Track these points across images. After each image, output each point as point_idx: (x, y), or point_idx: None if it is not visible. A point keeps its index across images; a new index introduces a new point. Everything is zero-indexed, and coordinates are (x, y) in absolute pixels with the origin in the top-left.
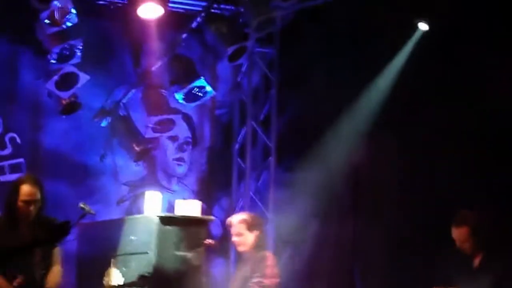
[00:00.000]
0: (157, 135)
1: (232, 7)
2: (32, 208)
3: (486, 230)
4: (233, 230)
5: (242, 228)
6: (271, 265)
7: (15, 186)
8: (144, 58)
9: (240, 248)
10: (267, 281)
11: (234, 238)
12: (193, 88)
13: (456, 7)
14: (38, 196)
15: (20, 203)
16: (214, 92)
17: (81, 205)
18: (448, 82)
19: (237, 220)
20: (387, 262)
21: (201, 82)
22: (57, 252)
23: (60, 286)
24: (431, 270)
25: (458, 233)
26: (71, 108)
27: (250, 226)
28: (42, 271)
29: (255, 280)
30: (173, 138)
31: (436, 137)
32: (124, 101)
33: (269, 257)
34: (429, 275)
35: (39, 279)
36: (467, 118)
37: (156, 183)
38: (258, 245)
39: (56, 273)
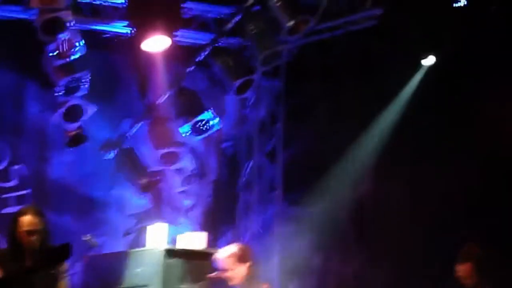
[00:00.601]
0: (163, 167)
1: (239, 41)
2: (34, 238)
3: (491, 266)
4: (221, 266)
5: (231, 263)
6: None
7: (16, 217)
8: (151, 91)
9: (233, 281)
10: None
11: (226, 273)
12: (199, 121)
13: (463, 40)
14: (40, 226)
15: (22, 234)
16: (220, 125)
17: (87, 237)
18: (455, 115)
19: (224, 255)
20: None
21: (207, 115)
22: (65, 284)
23: None
24: None
25: (462, 270)
26: (77, 140)
27: (241, 258)
28: None
29: None
30: (179, 171)
31: (443, 172)
32: (130, 133)
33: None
34: None
35: None
36: (474, 152)
37: (161, 216)
38: (251, 277)
39: None
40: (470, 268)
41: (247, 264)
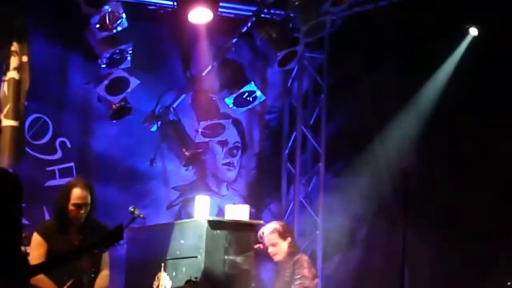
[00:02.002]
0: (206, 140)
1: (282, 12)
2: (82, 211)
3: None
4: (267, 241)
5: (275, 238)
6: (308, 266)
7: (66, 190)
8: (194, 63)
9: (277, 257)
10: (308, 282)
11: (270, 249)
12: (243, 93)
13: (507, 13)
14: (89, 199)
15: (71, 207)
16: (264, 97)
17: (131, 209)
18: (499, 87)
19: (268, 230)
20: (437, 269)
21: (251, 87)
22: (106, 256)
23: None
24: (483, 278)
25: None
26: (121, 112)
27: (282, 234)
28: (91, 275)
29: (297, 282)
30: (223, 143)
31: (489, 141)
32: (174, 106)
33: (305, 259)
34: (481, 282)
35: (88, 284)
36: None
37: (205, 188)
38: (292, 252)
39: (104, 277)
40: None
41: (288, 239)
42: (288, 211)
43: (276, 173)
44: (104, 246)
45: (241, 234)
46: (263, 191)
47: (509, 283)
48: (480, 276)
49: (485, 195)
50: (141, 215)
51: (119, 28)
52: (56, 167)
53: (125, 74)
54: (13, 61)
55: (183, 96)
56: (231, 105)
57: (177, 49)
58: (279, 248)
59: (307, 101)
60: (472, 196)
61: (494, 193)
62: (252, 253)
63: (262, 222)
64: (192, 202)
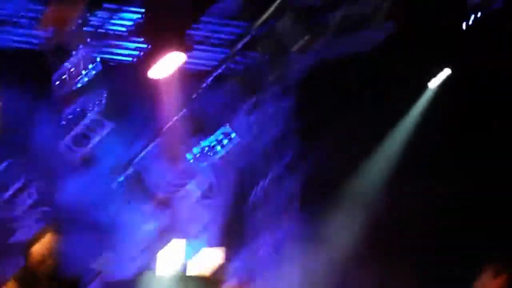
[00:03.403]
0: (176, 188)
1: (250, 60)
2: (49, 263)
3: None
4: None
5: None
6: None
7: (31, 242)
8: (161, 113)
9: None
10: None
11: None
12: (212, 141)
13: (476, 57)
14: (55, 250)
15: (38, 258)
16: (235, 143)
17: (97, 262)
18: (468, 132)
19: None
20: None
21: (219, 135)
22: None
23: None
24: None
25: (495, 284)
26: (88, 163)
27: None
28: None
29: None
30: (194, 190)
31: (457, 186)
32: (141, 155)
33: None
34: None
35: None
36: (488, 164)
37: (178, 233)
38: None
39: None
40: (505, 282)
41: None
42: (260, 255)
43: (247, 218)
44: None
45: None
46: (237, 235)
47: None
48: None
49: (458, 233)
50: (106, 269)
51: (85, 80)
52: (24, 217)
53: (92, 125)
54: None
55: (151, 145)
56: (199, 155)
57: (144, 99)
58: None
59: (277, 147)
60: (446, 235)
61: (468, 232)
62: None
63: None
64: (157, 254)
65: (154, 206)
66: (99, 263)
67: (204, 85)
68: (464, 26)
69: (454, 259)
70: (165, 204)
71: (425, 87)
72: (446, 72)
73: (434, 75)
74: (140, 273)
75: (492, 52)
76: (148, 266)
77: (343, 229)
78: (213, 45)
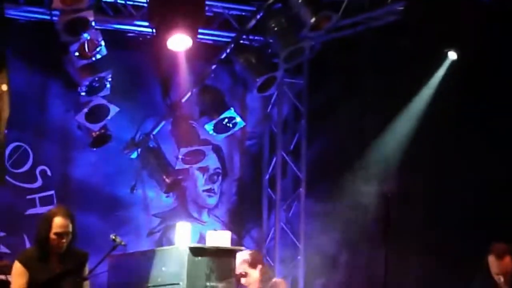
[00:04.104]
0: (187, 166)
1: (261, 38)
2: (64, 240)
3: None
4: (238, 272)
5: (246, 268)
6: None
7: (47, 219)
8: (174, 90)
9: (250, 287)
10: None
11: (242, 280)
12: (222, 120)
13: (486, 36)
14: (70, 228)
15: (52, 236)
16: (243, 123)
17: (112, 236)
18: (477, 112)
19: (238, 261)
20: None
21: (230, 113)
22: (87, 284)
23: None
24: None
25: (502, 264)
26: (101, 140)
27: (252, 263)
28: None
29: None
30: (203, 169)
31: (468, 164)
32: (154, 133)
33: (281, 284)
34: None
35: None
36: (499, 146)
37: (186, 215)
38: (265, 278)
39: None
40: (510, 262)
41: (259, 267)
42: (269, 237)
43: (257, 199)
44: (80, 273)
45: (222, 261)
46: (244, 217)
47: None
48: None
49: (466, 218)
50: (122, 243)
51: (98, 56)
52: (36, 196)
53: (104, 102)
54: None
55: (163, 123)
56: (211, 132)
57: (157, 76)
58: (250, 278)
59: (287, 127)
60: (453, 219)
61: (472, 216)
62: (234, 279)
63: (243, 248)
64: (173, 229)
65: (164, 189)
66: (115, 238)
67: (215, 62)
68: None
69: (468, 240)
70: (174, 186)
71: (435, 66)
72: (453, 55)
73: (445, 57)
74: (156, 246)
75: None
76: (164, 239)
77: (353, 209)
78: (225, 22)
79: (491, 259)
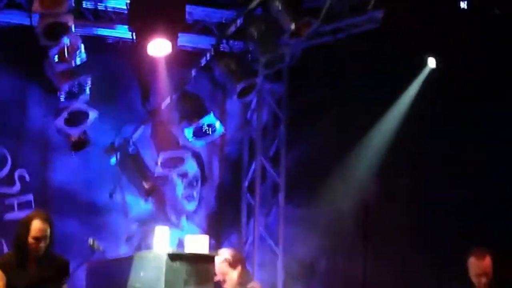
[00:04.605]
0: (166, 172)
1: (241, 44)
2: (42, 244)
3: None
4: (217, 271)
5: (225, 267)
6: None
7: (25, 223)
8: (153, 95)
9: (226, 286)
10: None
11: (218, 278)
12: (202, 125)
13: (466, 45)
14: (48, 232)
15: (30, 240)
16: (223, 129)
17: (90, 242)
18: (457, 118)
19: (218, 260)
20: None
21: (210, 118)
22: None
23: None
24: None
25: (483, 265)
26: (80, 145)
27: (232, 264)
28: None
29: None
30: (182, 175)
31: (446, 174)
32: (133, 138)
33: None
34: None
35: None
36: (477, 156)
37: (165, 220)
38: (242, 281)
39: None
40: (490, 262)
41: (238, 269)
42: (248, 242)
43: (235, 205)
44: (57, 279)
45: (201, 266)
46: (223, 223)
47: None
48: None
49: (444, 224)
50: (100, 248)
51: (78, 61)
52: (15, 200)
53: (84, 107)
54: None
55: (142, 128)
56: (190, 137)
57: (136, 81)
58: (228, 277)
59: (267, 133)
60: (430, 226)
61: (453, 222)
62: (212, 284)
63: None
64: (151, 234)
65: (143, 194)
66: (93, 243)
67: (195, 68)
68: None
69: (446, 246)
70: (152, 191)
71: (415, 73)
72: (433, 62)
73: (424, 64)
74: (134, 251)
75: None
76: (142, 245)
77: (332, 215)
78: (205, 28)
79: (472, 261)
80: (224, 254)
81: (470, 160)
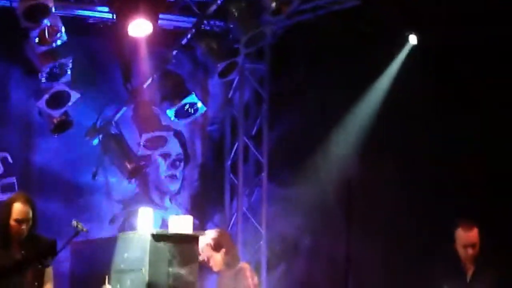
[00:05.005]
0: (148, 152)
1: (222, 23)
2: (24, 227)
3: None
4: (203, 254)
5: (209, 251)
6: (251, 276)
7: (7, 205)
8: (135, 76)
9: (214, 268)
10: None
11: (203, 257)
12: (184, 105)
13: (447, 21)
14: (30, 214)
15: (12, 222)
16: (205, 109)
17: (74, 223)
18: (440, 95)
19: (202, 245)
20: (381, 276)
21: (192, 98)
22: (49, 271)
23: None
24: (425, 284)
25: (471, 236)
26: (62, 126)
27: (215, 246)
28: None
29: None
30: (165, 155)
31: (429, 148)
32: (115, 119)
33: (246, 269)
34: None
35: None
36: (459, 131)
37: (148, 201)
38: (229, 262)
39: None
40: (477, 234)
41: (222, 250)
42: (231, 222)
43: (219, 184)
44: (41, 260)
45: (185, 246)
46: (207, 203)
47: (445, 287)
48: (422, 280)
49: (427, 201)
50: (84, 229)
51: (59, 42)
52: None
53: (65, 88)
54: None
55: (124, 109)
56: (172, 117)
57: (118, 62)
58: (214, 259)
59: (249, 112)
60: (414, 202)
61: (437, 199)
62: (196, 264)
63: (205, 233)
64: (135, 214)
65: (126, 175)
66: (77, 225)
67: (176, 47)
68: None
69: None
70: (135, 172)
71: (397, 50)
72: (414, 39)
73: (406, 41)
74: (118, 232)
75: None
76: (126, 225)
77: (315, 194)
78: (185, 7)
79: (460, 232)
80: (206, 239)
81: (454, 137)
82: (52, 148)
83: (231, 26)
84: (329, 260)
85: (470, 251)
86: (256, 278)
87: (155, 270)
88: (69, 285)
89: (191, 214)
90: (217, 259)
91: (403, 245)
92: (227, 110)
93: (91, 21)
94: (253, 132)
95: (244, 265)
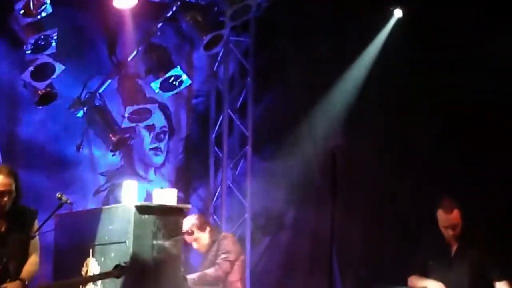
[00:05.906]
0: (133, 124)
1: None
2: (6, 198)
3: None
4: (188, 238)
5: (196, 232)
6: (232, 242)
7: None
8: (120, 48)
9: (202, 249)
10: (232, 256)
11: (194, 245)
12: (169, 78)
13: None
14: (13, 187)
15: None
16: (190, 81)
17: (58, 195)
18: (423, 67)
19: (187, 226)
20: (366, 249)
21: (177, 71)
22: (35, 242)
23: (35, 276)
24: (409, 258)
25: (451, 218)
26: (47, 98)
27: (200, 226)
28: (17, 261)
29: (221, 256)
30: (150, 128)
31: (414, 121)
32: (100, 91)
33: (229, 236)
34: (407, 262)
35: (14, 270)
36: (446, 104)
37: (133, 173)
38: (214, 239)
39: (33, 263)
40: (458, 215)
41: (207, 229)
42: (216, 195)
43: (203, 157)
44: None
45: (169, 219)
46: (191, 175)
47: (431, 262)
48: (407, 255)
49: (412, 175)
50: (68, 201)
51: (44, 14)
52: None
53: (50, 60)
54: None
55: (109, 81)
56: (157, 90)
57: (103, 34)
58: (201, 240)
59: (234, 85)
60: (399, 176)
61: (420, 173)
62: (181, 237)
63: (190, 206)
64: (119, 187)
65: (110, 147)
66: (61, 197)
67: (161, 20)
68: None
69: (414, 196)
70: (120, 144)
71: (381, 23)
72: (399, 12)
73: (391, 15)
74: (103, 204)
75: None
76: (110, 198)
77: (300, 167)
78: None
79: (440, 213)
80: (190, 221)
81: (440, 108)
82: (36, 121)
83: None
84: (313, 234)
85: (450, 232)
86: (239, 246)
87: (139, 242)
88: (53, 257)
89: (175, 187)
90: (204, 238)
91: (389, 219)
92: (212, 83)
93: None
94: (238, 105)
95: (226, 234)
